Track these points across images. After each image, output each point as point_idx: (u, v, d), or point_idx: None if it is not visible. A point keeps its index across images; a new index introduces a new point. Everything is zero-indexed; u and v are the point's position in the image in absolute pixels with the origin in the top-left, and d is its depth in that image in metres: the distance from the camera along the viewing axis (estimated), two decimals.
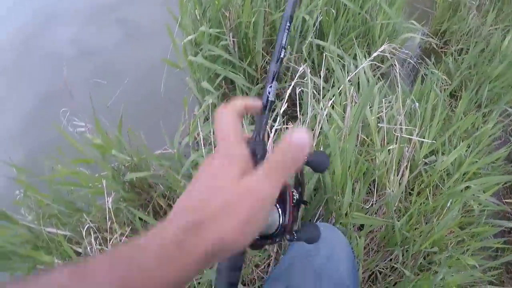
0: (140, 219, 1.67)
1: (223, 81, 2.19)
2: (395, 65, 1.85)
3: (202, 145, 1.76)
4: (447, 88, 2.46)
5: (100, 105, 2.30)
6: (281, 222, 0.50)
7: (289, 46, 2.13)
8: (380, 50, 1.79)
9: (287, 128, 1.71)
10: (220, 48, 2.05)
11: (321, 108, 1.62)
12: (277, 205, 0.50)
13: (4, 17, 3.62)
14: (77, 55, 3.14)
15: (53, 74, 2.86)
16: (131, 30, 3.37)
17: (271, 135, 1.43)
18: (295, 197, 0.53)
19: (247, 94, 2.10)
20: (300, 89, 1.74)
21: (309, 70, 1.68)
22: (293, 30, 2.12)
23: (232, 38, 2.08)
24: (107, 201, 1.61)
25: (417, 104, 1.82)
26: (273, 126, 1.48)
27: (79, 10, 3.54)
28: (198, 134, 1.78)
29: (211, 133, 1.78)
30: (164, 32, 2.12)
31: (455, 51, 2.73)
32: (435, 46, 2.82)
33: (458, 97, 2.57)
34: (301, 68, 1.58)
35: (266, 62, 2.20)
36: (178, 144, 1.93)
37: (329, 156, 1.62)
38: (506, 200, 2.50)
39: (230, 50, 2.08)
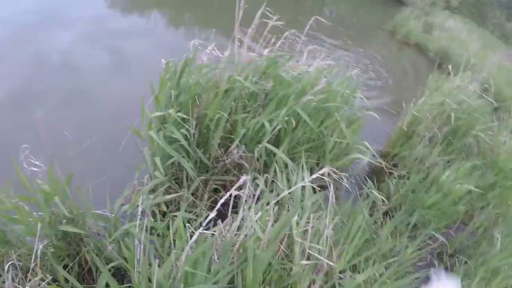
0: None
1: (176, 162, 2.35)
2: (330, 187, 2.04)
3: (138, 218, 1.91)
4: (382, 208, 2.68)
5: (62, 154, 2.50)
6: None
7: (244, 145, 2.35)
8: (320, 172, 1.98)
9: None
10: (181, 134, 2.24)
11: (249, 217, 1.80)
12: None
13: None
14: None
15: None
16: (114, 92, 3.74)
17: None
18: None
19: (192, 181, 2.29)
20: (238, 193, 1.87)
21: (249, 181, 1.86)
22: (251, 131, 2.35)
23: (195, 126, 2.30)
24: (37, 244, 1.72)
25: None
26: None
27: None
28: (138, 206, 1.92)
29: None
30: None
31: (398, 175, 2.99)
32: (384, 167, 3.09)
33: (392, 217, 2.79)
34: (240, 180, 1.75)
35: (220, 155, 2.41)
36: (119, 207, 2.09)
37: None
38: None
39: (190, 136, 2.28)
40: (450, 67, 4.45)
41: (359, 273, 2.21)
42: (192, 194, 2.41)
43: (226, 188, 2.59)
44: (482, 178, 3.48)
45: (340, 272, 2.14)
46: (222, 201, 1.69)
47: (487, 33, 19.09)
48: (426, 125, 3.36)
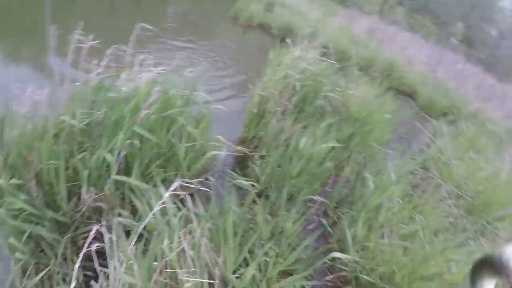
0: None
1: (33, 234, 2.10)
2: (186, 199, 2.03)
3: None
4: (252, 193, 2.74)
5: None
6: None
7: (93, 186, 2.22)
8: (171, 189, 1.93)
9: None
10: (22, 200, 2.02)
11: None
12: None
13: None
14: None
15: None
16: None
17: None
18: None
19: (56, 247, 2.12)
20: (96, 246, 1.70)
21: (104, 228, 1.76)
22: (96, 169, 2.22)
23: (36, 186, 2.09)
24: None
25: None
26: None
27: None
28: None
29: None
30: None
31: (260, 156, 3.12)
32: (247, 152, 3.19)
33: (267, 196, 2.89)
34: (93, 231, 1.63)
35: (75, 205, 2.25)
36: None
37: None
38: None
39: (33, 199, 2.08)
40: (290, 40, 4.72)
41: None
42: (65, 258, 2.21)
43: (96, 237, 2.43)
44: (340, 132, 3.79)
45: (234, 273, 2.16)
46: (77, 265, 1.56)
47: (327, 1, 20.82)
48: (275, 101, 3.54)
